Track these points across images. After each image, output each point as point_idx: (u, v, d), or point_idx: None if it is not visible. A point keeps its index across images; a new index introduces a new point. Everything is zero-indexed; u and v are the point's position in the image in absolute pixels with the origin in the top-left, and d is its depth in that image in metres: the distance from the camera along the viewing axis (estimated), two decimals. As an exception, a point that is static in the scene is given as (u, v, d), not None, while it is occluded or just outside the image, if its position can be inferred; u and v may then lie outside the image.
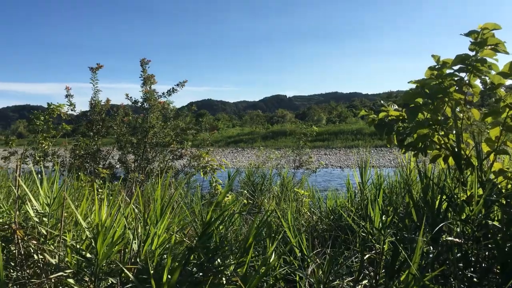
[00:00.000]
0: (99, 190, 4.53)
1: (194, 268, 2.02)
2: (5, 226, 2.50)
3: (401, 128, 2.78)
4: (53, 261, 1.90)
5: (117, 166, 9.43)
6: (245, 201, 5.46)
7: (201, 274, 1.95)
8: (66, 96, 8.66)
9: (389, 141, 2.82)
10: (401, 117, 2.76)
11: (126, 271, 1.54)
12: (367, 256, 2.45)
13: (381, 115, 2.81)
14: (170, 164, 9.48)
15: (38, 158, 8.17)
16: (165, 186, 2.06)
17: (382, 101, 2.86)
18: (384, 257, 2.44)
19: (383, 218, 2.55)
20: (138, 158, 9.21)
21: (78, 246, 1.89)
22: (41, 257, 2.19)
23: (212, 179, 6.01)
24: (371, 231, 2.87)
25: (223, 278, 1.91)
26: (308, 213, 4.92)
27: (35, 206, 2.19)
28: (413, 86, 2.68)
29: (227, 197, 5.31)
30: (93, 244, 1.68)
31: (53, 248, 2.28)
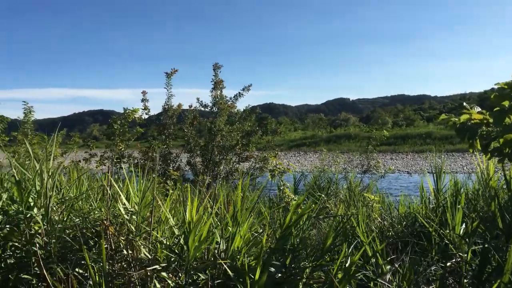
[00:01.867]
0: (170, 191, 4.74)
1: (272, 268, 2.07)
2: (97, 223, 2.70)
3: (484, 132, 2.66)
4: (147, 255, 2.03)
5: (186, 168, 9.79)
6: (313, 205, 5.43)
7: (279, 274, 1.99)
8: (142, 100, 9.11)
9: (471, 146, 2.70)
10: (485, 121, 2.63)
11: (225, 267, 1.61)
12: (448, 264, 2.37)
13: (463, 118, 2.70)
14: (235, 166, 9.69)
15: (115, 160, 8.69)
16: (244, 188, 2.13)
17: (465, 104, 2.75)
18: (467, 266, 2.34)
19: (467, 225, 2.44)
20: (205, 161, 9.50)
21: (167, 243, 2.01)
22: (130, 252, 2.34)
23: (279, 182, 6.05)
24: (451, 239, 2.76)
25: (303, 280, 1.94)
26: (379, 219, 4.82)
27: (125, 204, 2.35)
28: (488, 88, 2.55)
29: (295, 199, 5.34)
30: (181, 241, 1.78)
31: (140, 244, 2.43)
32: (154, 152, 9.15)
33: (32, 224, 2.26)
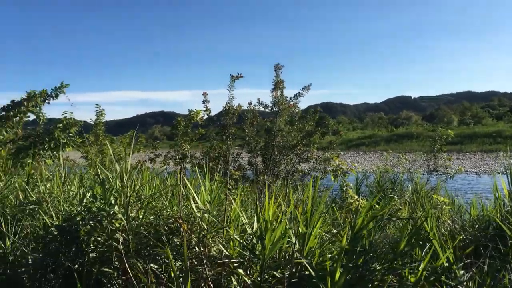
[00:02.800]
0: (232, 190, 4.83)
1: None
2: (170, 220, 2.82)
3: None
4: (225, 251, 2.10)
5: (247, 168, 9.92)
6: (377, 206, 5.31)
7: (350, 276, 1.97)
8: (203, 101, 9.36)
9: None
10: None
11: (306, 265, 1.64)
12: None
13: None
14: (296, 166, 9.67)
15: (178, 160, 9.00)
16: (315, 189, 2.14)
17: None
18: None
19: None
20: (266, 161, 9.57)
21: (241, 241, 2.06)
22: (202, 249, 2.42)
23: (342, 182, 5.97)
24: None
25: (375, 283, 1.91)
26: (449, 221, 4.62)
27: (197, 203, 2.44)
28: None
29: (358, 201, 5.24)
30: (254, 240, 1.82)
31: (211, 241, 2.51)
32: (215, 152, 9.36)
33: (114, 221, 2.40)
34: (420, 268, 2.28)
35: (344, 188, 5.89)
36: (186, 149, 8.69)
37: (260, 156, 9.73)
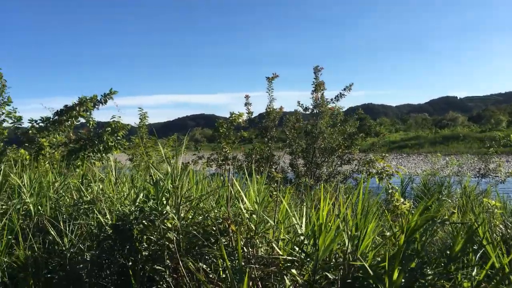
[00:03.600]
0: (274, 192, 4.85)
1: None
2: (218, 221, 2.87)
3: None
4: (279, 251, 2.12)
5: (288, 170, 9.92)
6: (440, 210, 5.18)
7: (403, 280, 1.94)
8: (245, 104, 9.46)
9: None
10: None
11: (365, 264, 1.63)
12: None
13: None
14: (338, 169, 9.58)
15: (220, 162, 9.13)
16: (366, 191, 2.12)
17: None
18: None
19: None
20: (307, 163, 9.54)
21: (293, 241, 2.08)
22: (250, 249, 2.46)
23: (388, 185, 5.85)
24: None
25: (428, 287, 1.87)
26: (501, 226, 4.44)
27: (245, 204, 2.48)
28: None
29: (405, 204, 5.13)
30: (305, 241, 1.83)
31: (258, 242, 2.54)
32: (257, 154, 9.42)
33: (166, 220, 2.48)
34: (473, 274, 2.22)
35: (390, 191, 5.78)
36: (228, 151, 8.80)
37: (301, 158, 9.72)
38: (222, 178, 4.91)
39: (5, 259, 2.72)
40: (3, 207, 3.46)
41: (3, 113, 7.00)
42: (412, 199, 6.67)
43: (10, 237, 2.89)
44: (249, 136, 9.86)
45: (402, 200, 5.31)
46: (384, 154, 8.61)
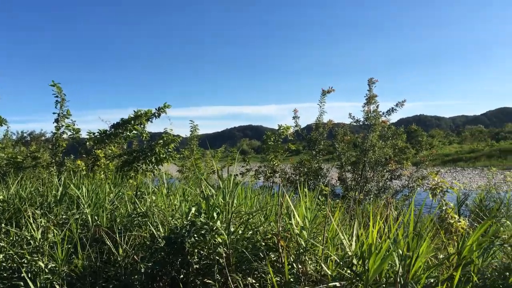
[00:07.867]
0: (322, 206, 4.79)
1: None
2: (267, 236, 2.89)
3: None
4: (327, 270, 2.11)
5: (336, 183, 9.78)
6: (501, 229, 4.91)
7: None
8: (293, 117, 9.47)
9: None
10: None
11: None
12: None
13: None
14: (388, 183, 9.34)
15: (268, 174, 9.16)
16: (420, 210, 2.06)
17: None
18: None
19: None
20: (356, 177, 9.37)
21: (341, 262, 2.05)
22: (300, 266, 2.45)
23: (442, 201, 5.63)
24: None
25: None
26: None
27: (297, 220, 2.48)
28: None
29: (460, 222, 4.91)
30: (354, 260, 1.80)
31: (307, 259, 2.52)
32: (305, 167, 9.37)
33: (216, 236, 2.53)
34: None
35: (443, 208, 5.55)
36: (276, 164, 8.81)
37: (350, 172, 9.56)
38: (271, 191, 4.93)
39: (65, 268, 2.85)
40: (63, 217, 3.64)
41: (62, 125, 7.40)
42: (467, 217, 6.36)
43: (70, 245, 3.04)
44: (296, 148, 9.84)
45: (457, 217, 5.08)
46: (438, 170, 8.30)
